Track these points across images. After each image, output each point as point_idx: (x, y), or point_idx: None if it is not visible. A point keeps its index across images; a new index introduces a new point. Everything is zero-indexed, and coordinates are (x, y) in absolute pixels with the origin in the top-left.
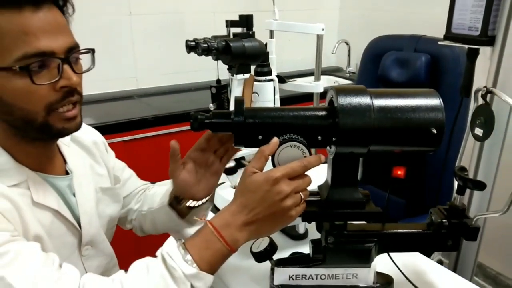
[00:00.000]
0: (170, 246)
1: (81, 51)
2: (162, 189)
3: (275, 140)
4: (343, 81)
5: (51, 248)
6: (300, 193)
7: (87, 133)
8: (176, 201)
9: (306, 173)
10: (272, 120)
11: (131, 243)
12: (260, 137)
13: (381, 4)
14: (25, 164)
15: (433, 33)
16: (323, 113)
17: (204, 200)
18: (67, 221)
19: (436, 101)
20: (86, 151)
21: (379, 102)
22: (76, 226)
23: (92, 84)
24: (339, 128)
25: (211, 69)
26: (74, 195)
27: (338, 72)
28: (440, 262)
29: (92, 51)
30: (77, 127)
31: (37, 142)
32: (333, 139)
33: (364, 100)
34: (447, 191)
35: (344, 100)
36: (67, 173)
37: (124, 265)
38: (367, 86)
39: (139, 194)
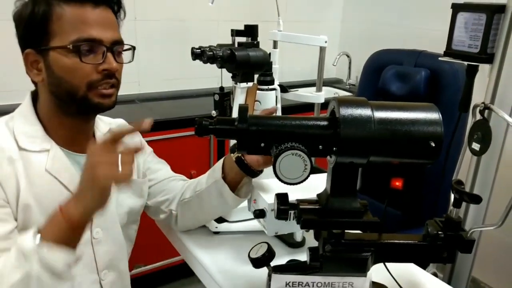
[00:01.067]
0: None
1: (125, 46)
2: (205, 174)
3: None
4: (343, 93)
5: None
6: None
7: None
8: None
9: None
10: (275, 128)
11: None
12: (262, 144)
13: (383, 18)
14: (55, 138)
15: (433, 48)
16: (324, 123)
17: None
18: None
19: (435, 115)
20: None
21: (380, 114)
22: None
23: None
24: (340, 138)
25: (213, 76)
26: None
27: (338, 84)
28: (434, 275)
29: (133, 48)
30: (111, 104)
31: (74, 117)
32: (334, 148)
33: (365, 111)
34: (444, 204)
35: (346, 111)
36: None
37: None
38: (367, 98)
39: (173, 182)
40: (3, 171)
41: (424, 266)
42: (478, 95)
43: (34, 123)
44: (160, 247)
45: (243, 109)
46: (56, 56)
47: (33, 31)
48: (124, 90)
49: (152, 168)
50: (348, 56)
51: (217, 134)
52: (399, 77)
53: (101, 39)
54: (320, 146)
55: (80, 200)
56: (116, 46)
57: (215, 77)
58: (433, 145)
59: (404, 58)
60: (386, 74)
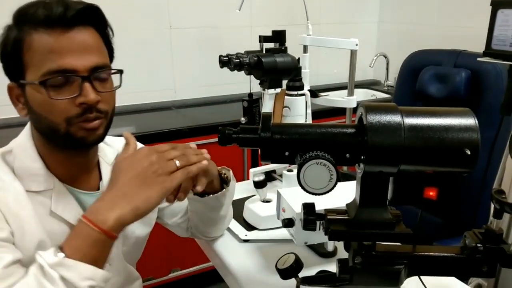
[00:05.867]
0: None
1: (108, 71)
2: None
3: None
4: (380, 95)
5: None
6: (176, 160)
7: None
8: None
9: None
10: (299, 136)
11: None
12: (286, 153)
13: (421, 17)
14: (56, 173)
15: (474, 48)
16: (351, 130)
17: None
18: None
19: (470, 121)
20: None
21: (410, 121)
22: None
23: (133, 95)
24: (368, 146)
25: (247, 82)
26: None
27: (376, 86)
28: (479, 286)
29: (119, 72)
30: (98, 139)
31: (68, 152)
32: (362, 157)
33: (395, 118)
34: (485, 212)
35: (374, 118)
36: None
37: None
38: (404, 101)
39: (190, 200)
40: (12, 209)
41: (466, 278)
42: None
43: (35, 159)
44: (195, 252)
45: (266, 117)
46: (31, 92)
47: (7, 62)
48: (161, 97)
49: None
50: (385, 57)
51: (240, 143)
52: (438, 79)
53: (74, 68)
54: (348, 155)
55: (119, 202)
56: (97, 73)
57: (248, 82)
58: (469, 153)
59: (443, 58)
60: (424, 76)
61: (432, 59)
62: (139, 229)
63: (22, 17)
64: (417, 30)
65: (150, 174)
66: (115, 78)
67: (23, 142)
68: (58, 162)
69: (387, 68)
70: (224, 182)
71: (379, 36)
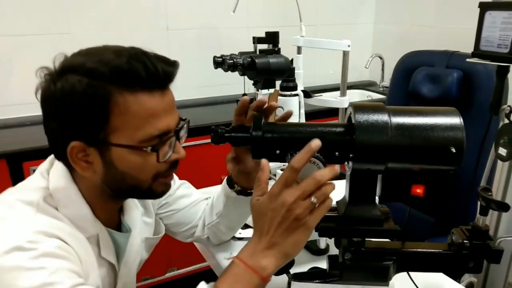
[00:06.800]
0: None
1: (184, 123)
2: (217, 192)
3: (264, 161)
4: (376, 96)
5: None
6: (313, 197)
7: None
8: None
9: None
10: (290, 135)
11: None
12: (278, 151)
13: (416, 19)
14: (100, 218)
15: (467, 49)
16: (341, 129)
17: None
18: (114, 272)
19: (456, 120)
20: (139, 200)
21: (397, 120)
22: (116, 276)
23: None
24: (356, 145)
25: (241, 83)
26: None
27: (371, 87)
28: (471, 284)
29: (187, 121)
30: (170, 188)
31: (119, 199)
32: (351, 155)
33: (382, 117)
34: (476, 210)
35: (362, 117)
36: (120, 221)
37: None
38: (398, 101)
39: (193, 209)
40: (82, 254)
41: (457, 275)
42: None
43: (81, 206)
44: (192, 252)
45: (258, 117)
46: (121, 154)
47: (83, 122)
48: None
49: (170, 201)
50: (381, 58)
51: (233, 142)
52: (430, 79)
53: (170, 129)
54: (337, 153)
55: (273, 252)
56: (179, 129)
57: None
58: (454, 151)
59: (436, 59)
60: (417, 76)
61: (425, 60)
62: (145, 254)
63: (111, 75)
64: (412, 32)
65: (292, 221)
66: None
67: (65, 187)
68: (104, 207)
69: (383, 69)
70: None
71: (375, 38)
